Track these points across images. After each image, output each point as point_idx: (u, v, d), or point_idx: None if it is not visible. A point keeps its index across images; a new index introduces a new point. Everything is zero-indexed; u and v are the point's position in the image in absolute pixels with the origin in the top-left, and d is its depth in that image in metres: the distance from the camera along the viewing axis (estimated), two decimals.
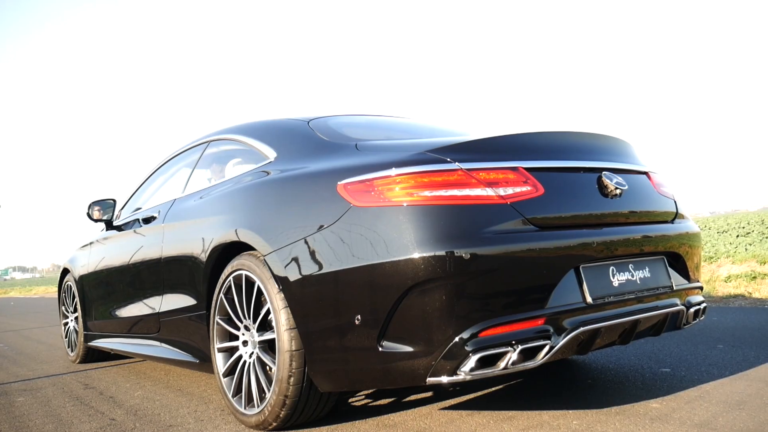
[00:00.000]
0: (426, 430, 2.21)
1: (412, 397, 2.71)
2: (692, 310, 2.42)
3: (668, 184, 2.69)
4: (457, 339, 1.85)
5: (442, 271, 1.85)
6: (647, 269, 2.30)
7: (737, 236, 13.26)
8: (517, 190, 2.02)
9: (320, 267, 2.09)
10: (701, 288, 2.61)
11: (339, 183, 2.12)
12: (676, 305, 2.33)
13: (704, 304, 2.54)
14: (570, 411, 2.32)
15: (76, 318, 4.58)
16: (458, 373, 1.87)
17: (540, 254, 1.96)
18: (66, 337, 4.87)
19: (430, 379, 1.91)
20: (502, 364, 1.88)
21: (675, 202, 2.62)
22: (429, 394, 2.75)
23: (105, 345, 4.08)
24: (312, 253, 2.13)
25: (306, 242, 2.15)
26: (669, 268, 2.40)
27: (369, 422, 2.37)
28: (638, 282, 2.23)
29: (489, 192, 1.97)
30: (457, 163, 2.00)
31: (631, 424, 2.11)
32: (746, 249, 8.52)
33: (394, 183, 1.98)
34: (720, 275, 6.53)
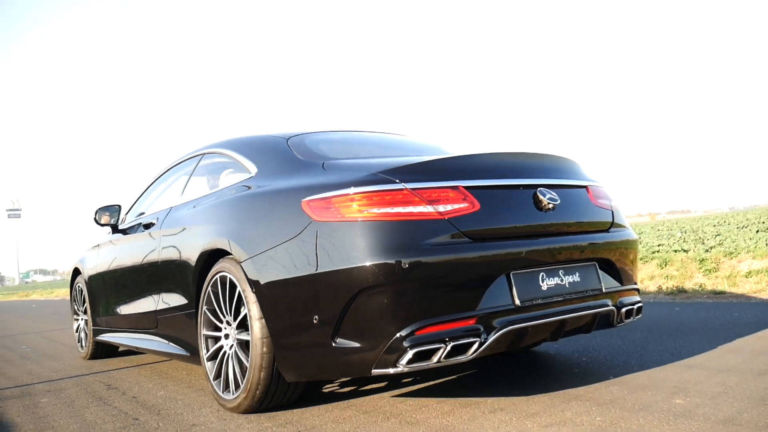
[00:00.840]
0: (449, 428, 2.22)
1: (434, 395, 2.71)
2: (624, 309, 2.63)
3: (608, 197, 2.89)
4: (397, 336, 2.11)
5: (386, 278, 2.11)
6: (577, 274, 2.51)
7: (757, 231, 13.07)
8: (456, 206, 2.26)
9: (285, 273, 2.37)
10: (637, 289, 2.84)
11: (303, 200, 2.39)
12: (607, 306, 2.55)
13: (639, 304, 2.74)
14: (593, 407, 2.31)
15: (86, 321, 4.89)
16: (397, 365, 2.12)
17: (472, 262, 2.21)
18: (77, 333, 5.20)
19: (375, 371, 2.16)
20: (435, 358, 2.13)
21: (612, 212, 2.82)
22: (451, 392, 2.75)
23: (110, 339, 4.41)
24: (279, 261, 2.40)
25: (274, 251, 2.43)
26: (600, 273, 2.61)
27: (392, 420, 2.38)
28: (567, 286, 2.45)
29: (429, 209, 2.22)
30: (403, 184, 2.25)
31: (654, 420, 2.10)
32: (767, 244, 8.42)
33: (351, 201, 2.25)
34: (741, 270, 6.46)
